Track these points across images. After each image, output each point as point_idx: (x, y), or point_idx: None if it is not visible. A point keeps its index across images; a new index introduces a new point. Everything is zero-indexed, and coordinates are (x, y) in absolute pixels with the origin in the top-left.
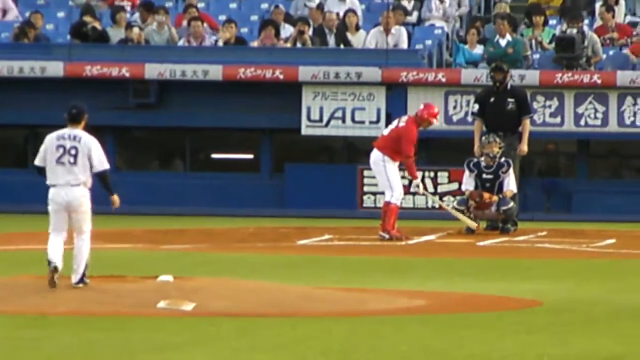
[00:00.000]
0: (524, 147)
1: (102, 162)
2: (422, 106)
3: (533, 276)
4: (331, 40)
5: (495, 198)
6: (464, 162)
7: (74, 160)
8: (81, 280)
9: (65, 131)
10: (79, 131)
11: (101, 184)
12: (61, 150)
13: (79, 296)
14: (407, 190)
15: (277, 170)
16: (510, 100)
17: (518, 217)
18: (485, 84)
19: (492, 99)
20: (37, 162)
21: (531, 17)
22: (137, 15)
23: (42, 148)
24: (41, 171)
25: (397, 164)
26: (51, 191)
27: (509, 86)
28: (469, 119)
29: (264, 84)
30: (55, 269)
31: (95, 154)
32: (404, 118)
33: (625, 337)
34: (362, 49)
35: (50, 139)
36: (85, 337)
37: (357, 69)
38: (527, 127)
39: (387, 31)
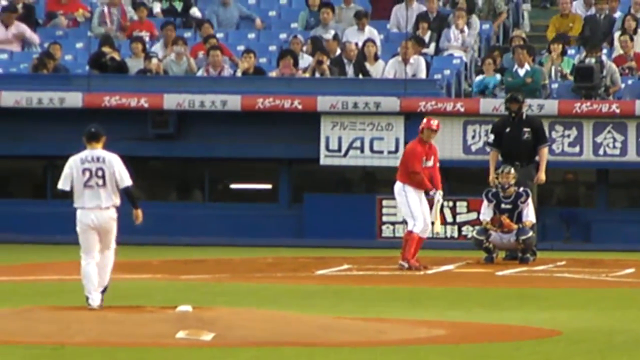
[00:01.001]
0: (542, 176)
1: (124, 179)
2: None
3: (552, 306)
4: (350, 71)
5: (514, 226)
6: (483, 192)
7: (102, 182)
8: (105, 290)
9: (87, 153)
10: (101, 151)
11: (127, 199)
12: (88, 173)
13: (97, 327)
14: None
15: (295, 201)
16: (526, 130)
17: (537, 246)
18: (503, 114)
19: (508, 129)
20: (61, 185)
21: (551, 46)
22: (157, 45)
23: (65, 171)
24: (66, 194)
25: (419, 192)
26: (79, 213)
27: (524, 116)
28: (487, 149)
29: (283, 114)
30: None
31: (118, 171)
32: None
33: None
34: (381, 78)
35: (75, 162)
36: None
37: (375, 99)
38: (544, 156)
39: (405, 61)
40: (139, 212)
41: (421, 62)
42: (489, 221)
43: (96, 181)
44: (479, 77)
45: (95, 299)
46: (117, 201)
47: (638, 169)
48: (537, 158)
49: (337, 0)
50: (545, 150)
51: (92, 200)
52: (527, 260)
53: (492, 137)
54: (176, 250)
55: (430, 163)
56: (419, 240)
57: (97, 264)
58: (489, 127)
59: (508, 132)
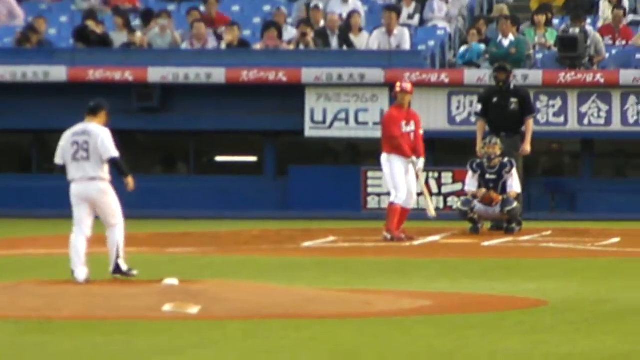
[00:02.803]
0: (527, 147)
1: (109, 150)
2: None
3: (538, 276)
4: (333, 42)
5: (499, 198)
6: (468, 162)
7: (86, 155)
8: (116, 270)
9: (79, 126)
10: (91, 124)
11: (116, 170)
12: (75, 146)
13: (84, 300)
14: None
15: (281, 173)
16: (513, 100)
17: (522, 216)
18: (488, 84)
19: (495, 99)
20: (57, 160)
21: (536, 17)
22: (139, 21)
23: (59, 145)
24: (62, 169)
25: (403, 160)
26: (71, 186)
27: (512, 86)
28: (472, 119)
29: (267, 86)
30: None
31: (102, 144)
32: None
33: (630, 335)
34: (365, 50)
35: (66, 136)
36: (90, 341)
37: (360, 71)
38: (530, 127)
39: (389, 32)
40: (129, 180)
41: (405, 34)
42: (479, 198)
43: (82, 154)
44: (463, 47)
45: (80, 273)
46: (104, 174)
47: (622, 139)
48: (523, 128)
49: None
50: (531, 121)
51: (79, 171)
52: (512, 231)
53: (479, 106)
54: (161, 223)
55: (410, 128)
56: (402, 211)
57: (106, 242)
58: (474, 97)
59: (495, 102)
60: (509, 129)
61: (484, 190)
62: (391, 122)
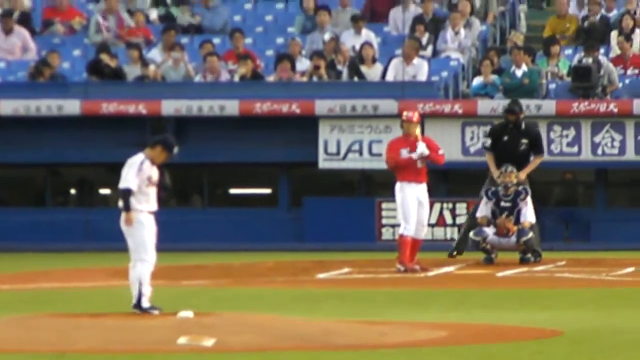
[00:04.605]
0: (522, 176)
1: (121, 181)
2: None
3: (553, 306)
4: (344, 74)
5: (514, 229)
6: (482, 189)
7: None
8: (136, 306)
9: None
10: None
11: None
12: None
13: (98, 334)
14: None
15: (295, 205)
16: (523, 141)
17: (541, 247)
18: (500, 115)
19: (505, 138)
20: None
21: (549, 47)
22: (154, 50)
23: None
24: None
25: (414, 187)
26: None
27: (523, 126)
28: (484, 151)
29: (281, 118)
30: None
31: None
32: None
33: None
34: (378, 81)
35: None
36: None
37: (373, 102)
38: (535, 162)
39: (408, 60)
40: (125, 215)
41: (423, 64)
42: (497, 229)
43: None
44: (477, 80)
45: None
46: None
47: (637, 168)
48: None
49: (333, 4)
50: (538, 160)
51: None
52: (527, 261)
53: (488, 141)
54: (176, 256)
55: (415, 155)
56: (413, 242)
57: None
58: (487, 128)
59: (505, 141)
60: (517, 168)
61: (503, 217)
62: (388, 149)
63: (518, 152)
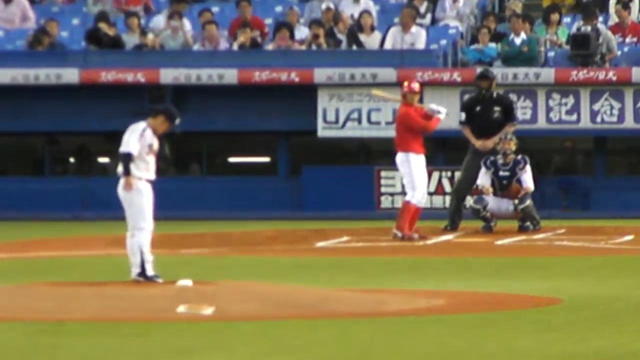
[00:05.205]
0: (489, 143)
1: (122, 145)
2: None
3: (552, 274)
4: (343, 42)
5: (522, 191)
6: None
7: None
8: (141, 274)
9: None
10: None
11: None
12: None
13: (97, 302)
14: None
15: (294, 173)
16: (496, 108)
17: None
18: (500, 83)
19: (478, 108)
20: None
21: (548, 16)
22: (158, 17)
23: None
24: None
25: (422, 157)
26: None
27: (494, 94)
28: (460, 127)
29: (280, 87)
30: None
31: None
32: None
33: None
34: (377, 50)
35: None
36: (103, 343)
37: (372, 70)
38: (506, 129)
39: (406, 29)
40: (125, 179)
41: (421, 32)
42: (510, 193)
43: None
44: (473, 46)
45: (132, 272)
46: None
47: (635, 136)
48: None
49: None
50: (510, 128)
51: None
52: (526, 229)
53: (463, 115)
54: (175, 224)
55: (441, 114)
56: (415, 210)
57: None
58: None
59: (478, 110)
60: (491, 137)
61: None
62: (414, 120)
63: (491, 119)
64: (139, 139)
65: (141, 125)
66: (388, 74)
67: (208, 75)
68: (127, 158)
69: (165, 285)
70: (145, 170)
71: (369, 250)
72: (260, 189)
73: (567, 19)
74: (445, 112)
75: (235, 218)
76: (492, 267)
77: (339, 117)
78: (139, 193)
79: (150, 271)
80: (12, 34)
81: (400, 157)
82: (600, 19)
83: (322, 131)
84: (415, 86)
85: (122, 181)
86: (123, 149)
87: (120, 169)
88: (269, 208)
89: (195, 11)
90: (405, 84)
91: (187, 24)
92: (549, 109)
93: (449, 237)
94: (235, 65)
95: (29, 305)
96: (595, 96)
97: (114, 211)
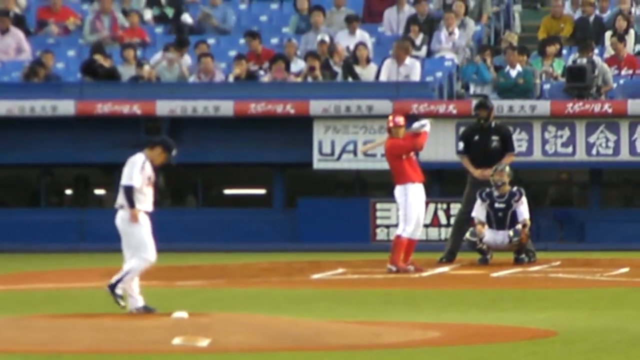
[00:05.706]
0: (487, 172)
1: (123, 178)
2: None
3: (547, 306)
4: (339, 74)
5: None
6: (477, 192)
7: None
8: (111, 286)
9: None
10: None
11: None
12: None
13: (93, 334)
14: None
15: (289, 205)
16: (494, 138)
17: (534, 247)
18: (496, 115)
19: (476, 137)
20: None
21: (544, 48)
22: (157, 55)
23: None
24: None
25: (421, 187)
26: None
27: (493, 124)
28: (458, 157)
29: (275, 118)
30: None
31: (124, 171)
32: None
33: None
34: (373, 82)
35: None
36: None
37: (368, 102)
38: (505, 160)
39: (399, 61)
40: (131, 212)
41: (415, 65)
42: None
43: None
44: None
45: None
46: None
47: (631, 169)
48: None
49: (327, 4)
50: (509, 158)
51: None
52: (522, 261)
53: (461, 144)
54: (171, 256)
55: (425, 127)
56: (408, 243)
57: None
58: None
59: (476, 140)
60: (490, 167)
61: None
62: (402, 147)
63: (490, 149)
64: (141, 172)
65: (140, 157)
66: (384, 106)
67: (204, 107)
68: (130, 191)
69: (160, 317)
70: (144, 202)
71: (365, 283)
72: (256, 220)
73: (563, 51)
74: (429, 122)
75: (230, 250)
76: (487, 299)
77: (335, 149)
78: (139, 225)
79: (119, 290)
80: (8, 65)
81: (398, 190)
82: (596, 51)
83: (318, 163)
84: (400, 120)
85: (126, 214)
86: (126, 182)
87: (120, 201)
88: (264, 240)
89: (192, 43)
90: (390, 118)
91: (187, 58)
92: (544, 141)
93: (444, 269)
94: (231, 97)
95: (25, 337)
96: (591, 129)
97: (110, 243)
